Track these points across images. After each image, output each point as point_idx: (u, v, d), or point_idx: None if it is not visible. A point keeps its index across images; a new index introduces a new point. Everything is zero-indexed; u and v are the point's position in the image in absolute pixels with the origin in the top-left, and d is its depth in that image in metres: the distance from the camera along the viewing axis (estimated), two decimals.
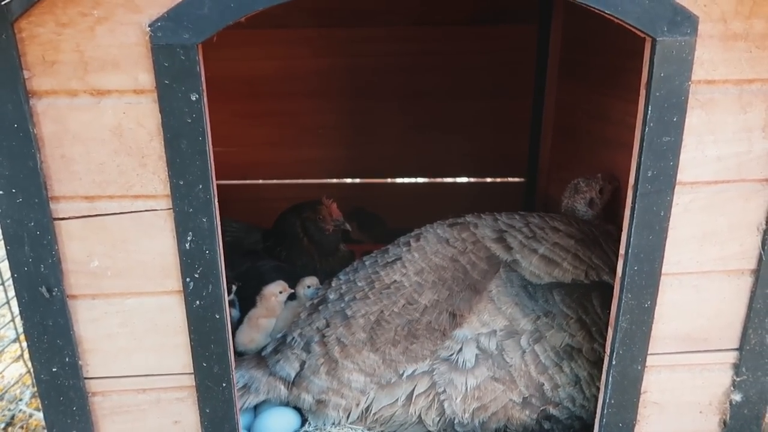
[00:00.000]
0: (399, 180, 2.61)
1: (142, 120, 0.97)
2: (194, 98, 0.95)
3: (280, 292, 1.75)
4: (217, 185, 1.04)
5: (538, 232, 1.48)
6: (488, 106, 2.45)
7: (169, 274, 1.07)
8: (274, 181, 2.56)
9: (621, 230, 1.11)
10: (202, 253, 1.04)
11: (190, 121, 0.96)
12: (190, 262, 1.05)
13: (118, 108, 0.96)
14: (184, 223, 1.02)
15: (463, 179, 2.61)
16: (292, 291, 1.75)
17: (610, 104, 1.87)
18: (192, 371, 1.13)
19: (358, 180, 2.60)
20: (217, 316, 1.08)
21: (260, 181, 2.56)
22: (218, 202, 1.04)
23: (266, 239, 2.07)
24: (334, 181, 2.59)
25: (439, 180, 2.60)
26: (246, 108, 2.40)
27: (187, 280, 1.06)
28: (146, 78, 0.94)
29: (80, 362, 1.10)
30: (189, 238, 1.03)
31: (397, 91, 2.42)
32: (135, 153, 0.99)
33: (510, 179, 2.59)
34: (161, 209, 1.02)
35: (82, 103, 0.96)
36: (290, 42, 2.31)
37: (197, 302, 1.07)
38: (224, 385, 1.13)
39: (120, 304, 1.08)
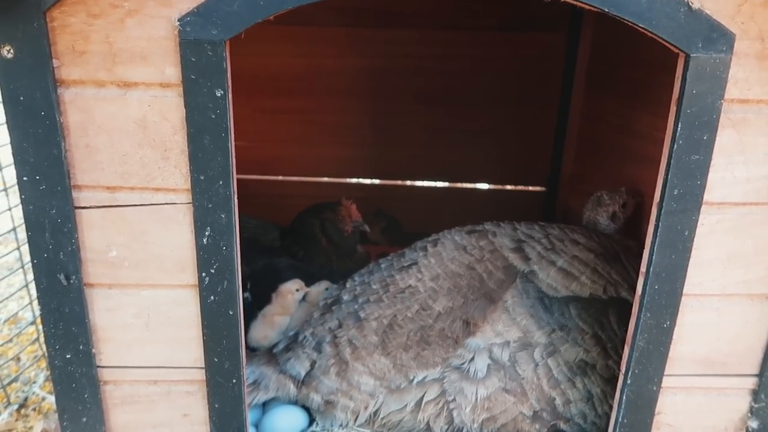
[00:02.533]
0: (418, 183, 2.60)
1: (166, 113, 0.97)
2: (219, 94, 0.95)
3: (297, 290, 1.76)
4: (237, 180, 1.04)
5: (557, 244, 1.47)
6: (512, 113, 2.42)
7: (186, 268, 1.07)
8: (294, 178, 2.57)
9: (642, 246, 1.09)
10: (219, 248, 1.04)
11: (214, 117, 0.96)
12: (207, 257, 1.05)
13: (144, 100, 0.97)
14: (203, 218, 1.02)
15: (483, 186, 2.59)
16: (308, 290, 1.75)
17: (636, 118, 1.84)
18: (203, 366, 1.13)
19: (377, 181, 2.59)
20: (231, 312, 1.08)
21: (280, 178, 2.57)
22: (237, 197, 1.04)
23: (284, 237, 2.07)
24: (354, 180, 2.58)
25: (458, 185, 2.58)
26: (269, 104, 2.41)
27: (203, 274, 1.06)
28: (173, 72, 0.95)
29: (94, 351, 1.11)
30: (207, 233, 1.03)
31: (422, 94, 2.41)
32: (158, 146, 0.99)
33: (530, 188, 2.56)
34: (181, 203, 1.03)
35: (109, 94, 0.96)
36: (317, 40, 2.32)
37: (212, 297, 1.07)
38: (234, 381, 1.14)
39: (136, 295, 1.09)
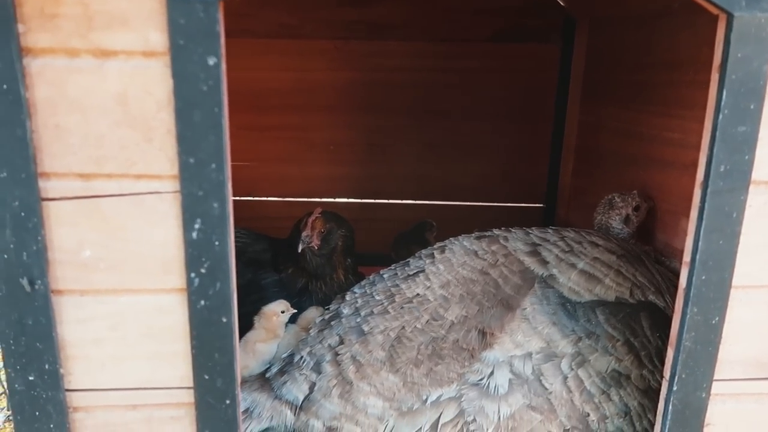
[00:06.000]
0: (412, 201, 2.48)
1: (150, 87, 0.85)
2: (212, 62, 0.83)
3: (282, 312, 1.59)
4: None
5: (575, 247, 1.35)
6: (507, 127, 2.35)
7: (171, 269, 0.93)
8: (282, 199, 2.43)
9: (659, 252, 0.98)
10: (211, 244, 0.91)
11: (205, 89, 0.84)
12: (197, 254, 0.91)
13: (125, 72, 0.84)
14: (193, 208, 0.89)
15: (479, 203, 2.48)
16: (295, 311, 1.58)
17: (642, 120, 1.77)
18: (191, 385, 0.97)
19: (369, 200, 2.47)
20: (224, 320, 0.94)
21: (266, 199, 2.43)
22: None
23: (277, 250, 1.88)
24: (345, 200, 2.46)
25: (454, 203, 2.47)
26: (254, 121, 2.29)
27: (192, 275, 0.92)
28: (158, 38, 0.83)
29: (62, 371, 0.95)
30: (197, 227, 0.90)
31: (414, 109, 2.33)
32: (140, 125, 0.87)
33: (528, 205, 2.47)
34: (166, 192, 0.89)
35: (84, 65, 0.84)
36: (304, 53, 2.22)
37: (202, 302, 0.93)
38: (228, 402, 0.98)
39: (112, 302, 0.94)
